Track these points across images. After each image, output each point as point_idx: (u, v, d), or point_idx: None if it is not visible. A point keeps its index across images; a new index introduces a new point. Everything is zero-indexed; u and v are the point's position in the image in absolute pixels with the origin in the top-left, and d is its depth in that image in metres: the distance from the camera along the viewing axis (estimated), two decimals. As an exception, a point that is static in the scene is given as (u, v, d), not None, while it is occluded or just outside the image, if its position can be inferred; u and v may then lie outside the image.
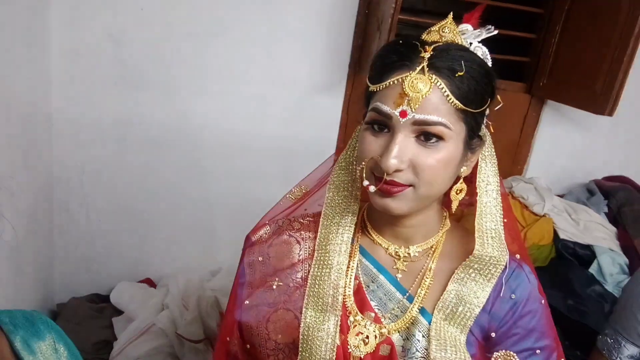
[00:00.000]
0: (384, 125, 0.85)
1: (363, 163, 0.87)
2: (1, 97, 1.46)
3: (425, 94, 0.81)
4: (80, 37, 1.80)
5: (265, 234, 1.01)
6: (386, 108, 0.83)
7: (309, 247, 0.98)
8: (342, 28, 1.94)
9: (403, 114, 0.81)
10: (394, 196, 0.85)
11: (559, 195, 2.14)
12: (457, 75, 0.82)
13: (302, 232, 0.99)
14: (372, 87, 0.85)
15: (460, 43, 0.87)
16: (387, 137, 0.84)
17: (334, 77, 1.99)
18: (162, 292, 1.89)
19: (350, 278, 0.94)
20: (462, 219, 1.04)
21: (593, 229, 1.87)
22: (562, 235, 1.85)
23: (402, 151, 0.82)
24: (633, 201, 1.96)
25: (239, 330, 0.95)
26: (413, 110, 0.81)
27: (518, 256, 0.95)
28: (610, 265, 1.76)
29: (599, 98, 1.81)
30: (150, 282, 2.06)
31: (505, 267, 0.91)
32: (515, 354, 0.89)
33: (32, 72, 1.70)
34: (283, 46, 1.93)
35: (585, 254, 1.80)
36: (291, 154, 2.04)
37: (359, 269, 0.96)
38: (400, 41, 0.86)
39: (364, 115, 0.90)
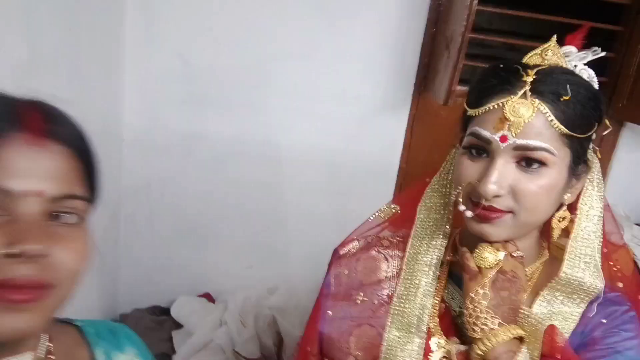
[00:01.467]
0: (482, 149, 0.83)
1: (460, 188, 0.86)
2: (77, 112, 1.53)
3: (527, 118, 0.79)
4: (152, 56, 1.87)
5: (354, 248, 1.01)
6: (486, 133, 0.81)
7: (397, 266, 0.97)
8: (407, 47, 1.91)
9: (503, 138, 0.80)
10: (492, 222, 0.83)
11: (638, 225, 2.01)
12: (562, 99, 0.79)
13: (391, 250, 0.98)
14: (471, 112, 0.84)
15: (564, 66, 0.84)
16: (486, 162, 0.83)
17: (399, 96, 1.96)
18: (220, 308, 1.91)
19: (437, 300, 0.92)
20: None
21: (678, 262, 1.73)
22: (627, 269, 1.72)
23: (501, 176, 0.81)
24: None
25: (320, 342, 0.96)
26: (514, 135, 0.79)
27: (621, 285, 0.91)
28: None
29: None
30: (209, 297, 2.08)
31: (598, 294, 0.86)
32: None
33: (106, 89, 1.77)
34: (347, 66, 1.92)
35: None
36: (354, 171, 2.02)
37: (447, 292, 0.94)
38: (501, 65, 0.85)
39: (461, 140, 0.89)
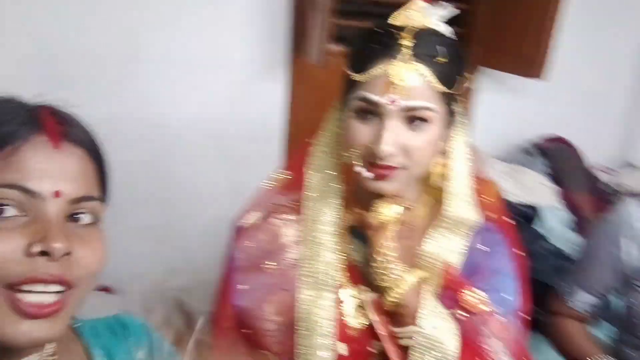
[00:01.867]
0: (371, 112, 0.88)
1: (354, 150, 0.90)
2: None
3: (411, 81, 0.85)
4: (4, 40, 1.68)
5: (253, 219, 1.03)
6: (375, 97, 0.87)
7: (298, 229, 1.00)
8: (278, 8, 1.91)
9: (392, 101, 0.86)
10: (388, 179, 0.89)
11: (500, 160, 2.23)
12: (438, 61, 0.87)
13: (290, 215, 1.01)
14: (356, 77, 0.89)
15: (431, 27, 0.90)
16: (376, 124, 0.88)
17: (275, 58, 1.97)
18: (120, 298, 1.84)
19: (341, 255, 0.97)
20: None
21: (536, 189, 1.97)
22: (507, 198, 1.93)
23: (393, 136, 0.86)
24: (571, 159, 2.07)
25: (235, 316, 0.97)
26: (401, 97, 0.85)
27: (494, 215, 1.02)
28: (554, 222, 1.86)
29: (531, 63, 1.89)
30: (108, 290, 1.98)
31: (477, 225, 0.97)
32: (482, 292, 0.94)
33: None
34: (219, 31, 1.88)
35: (531, 213, 1.89)
36: (239, 139, 2.01)
37: (348, 245, 0.99)
38: (377, 29, 0.90)
39: (344, 101, 0.93)
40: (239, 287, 0.97)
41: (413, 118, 0.88)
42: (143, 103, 1.88)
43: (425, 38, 0.88)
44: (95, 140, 0.67)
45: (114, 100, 1.84)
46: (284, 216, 1.01)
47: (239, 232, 1.02)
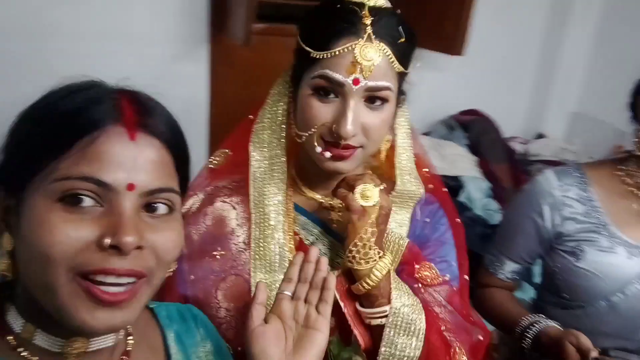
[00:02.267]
0: (332, 91, 0.86)
1: (313, 129, 0.88)
2: None
3: (375, 61, 0.84)
4: None
5: (197, 203, 0.99)
6: (338, 76, 0.84)
7: (244, 211, 0.97)
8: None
9: (356, 81, 0.84)
10: (346, 159, 0.88)
11: (424, 134, 2.30)
12: (399, 41, 0.87)
13: (234, 197, 0.98)
14: (318, 54, 0.86)
15: (384, 5, 0.90)
16: (337, 104, 0.87)
17: (195, 38, 1.88)
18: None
19: (290, 235, 0.96)
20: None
21: (458, 161, 2.05)
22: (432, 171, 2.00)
23: (356, 117, 0.85)
24: (488, 131, 2.17)
25: None
26: (365, 77, 0.84)
27: (431, 186, 1.05)
28: (476, 192, 1.94)
29: (452, 41, 1.95)
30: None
31: (421, 198, 1.00)
32: (431, 263, 0.97)
33: None
34: (135, 7, 1.77)
35: (455, 185, 1.97)
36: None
37: (297, 225, 0.97)
38: (339, 5, 0.87)
39: (297, 77, 0.91)
40: (189, 276, 0.94)
41: (374, 98, 0.87)
42: (53, 81, 1.75)
43: (385, 18, 0.87)
44: (174, 130, 0.66)
45: (21, 79, 1.70)
46: (227, 199, 0.98)
47: (182, 219, 0.98)
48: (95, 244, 0.57)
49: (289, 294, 0.83)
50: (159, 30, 1.83)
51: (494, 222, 1.90)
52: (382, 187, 0.89)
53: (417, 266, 0.95)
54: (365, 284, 0.87)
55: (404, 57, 0.88)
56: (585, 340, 1.00)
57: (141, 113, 0.62)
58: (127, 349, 0.70)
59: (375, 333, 0.89)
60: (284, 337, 0.80)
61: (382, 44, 0.85)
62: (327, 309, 0.82)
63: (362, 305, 0.89)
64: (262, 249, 0.93)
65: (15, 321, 0.63)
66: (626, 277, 1.15)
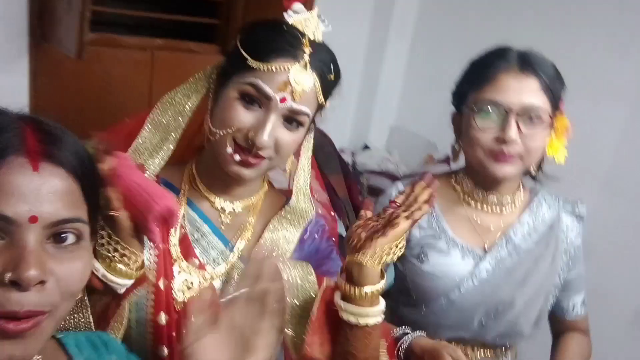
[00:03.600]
0: (256, 101, 0.92)
1: (229, 130, 0.93)
2: None
3: (305, 87, 0.92)
4: None
5: None
6: (269, 91, 0.91)
7: None
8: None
9: (283, 100, 0.91)
10: (251, 167, 0.94)
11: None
12: (328, 77, 0.97)
13: None
14: (255, 64, 0.91)
15: (321, 40, 0.99)
16: (259, 114, 0.93)
17: (12, 49, 1.69)
18: None
19: (176, 227, 0.98)
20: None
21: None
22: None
23: (273, 130, 0.92)
24: (323, 145, 2.29)
25: None
26: (293, 99, 0.91)
27: (320, 210, 1.17)
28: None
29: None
30: None
31: (312, 218, 1.10)
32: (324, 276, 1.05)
33: None
34: None
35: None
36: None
37: (185, 219, 1.00)
38: (285, 26, 0.94)
39: (224, 76, 0.96)
40: None
41: (292, 119, 0.94)
42: None
43: (323, 53, 0.97)
44: (81, 158, 0.63)
45: None
46: None
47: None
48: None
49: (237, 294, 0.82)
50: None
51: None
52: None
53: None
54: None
55: (327, 91, 0.98)
56: (461, 356, 1.11)
57: (45, 142, 0.60)
58: None
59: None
60: (228, 345, 0.78)
61: (314, 74, 0.94)
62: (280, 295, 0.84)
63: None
64: None
65: None
66: (461, 275, 1.31)
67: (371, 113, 2.89)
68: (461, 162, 1.40)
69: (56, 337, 0.76)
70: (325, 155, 2.31)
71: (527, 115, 1.22)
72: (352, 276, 0.95)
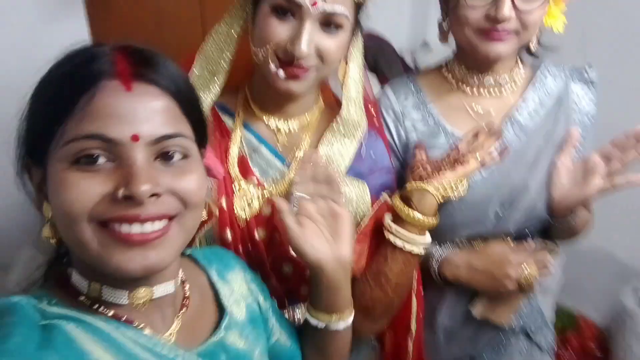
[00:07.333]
0: (289, 11, 0.90)
1: (268, 46, 0.92)
2: None
3: None
4: None
5: None
6: None
7: None
8: None
9: (314, 4, 0.88)
10: (299, 79, 0.93)
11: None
12: None
13: None
14: None
15: None
16: (295, 24, 0.91)
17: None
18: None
19: (234, 149, 1.01)
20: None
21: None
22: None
23: (311, 38, 0.89)
24: (383, 50, 2.23)
25: None
26: (323, 1, 0.88)
27: (375, 120, 1.13)
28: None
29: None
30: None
31: (365, 131, 1.08)
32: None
33: None
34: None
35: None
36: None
37: (242, 141, 1.03)
38: None
39: None
40: None
41: (329, 23, 0.91)
42: None
43: None
44: (175, 77, 0.65)
45: None
46: None
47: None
48: (110, 197, 0.58)
49: (306, 195, 0.91)
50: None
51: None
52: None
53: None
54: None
55: None
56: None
57: (136, 64, 0.61)
58: (186, 295, 0.75)
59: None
60: (320, 232, 0.88)
61: None
62: (339, 197, 0.91)
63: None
64: None
65: (81, 283, 0.66)
66: None
67: (428, 7, 2.73)
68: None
69: (185, 253, 0.83)
70: (387, 61, 2.25)
71: None
72: (411, 202, 1.00)
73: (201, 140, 0.70)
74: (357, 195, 1.04)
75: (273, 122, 1.04)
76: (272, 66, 0.92)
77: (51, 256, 0.71)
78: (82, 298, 0.66)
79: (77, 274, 0.67)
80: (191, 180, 0.64)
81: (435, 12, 2.71)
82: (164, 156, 0.63)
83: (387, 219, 1.03)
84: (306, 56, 0.90)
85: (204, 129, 0.71)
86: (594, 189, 1.16)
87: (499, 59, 1.20)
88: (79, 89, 0.59)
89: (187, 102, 0.67)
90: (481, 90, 1.27)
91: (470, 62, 1.25)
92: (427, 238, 1.04)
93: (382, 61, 2.19)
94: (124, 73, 0.60)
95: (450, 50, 1.31)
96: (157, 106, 0.62)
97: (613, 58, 1.85)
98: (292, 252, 0.91)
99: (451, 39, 1.25)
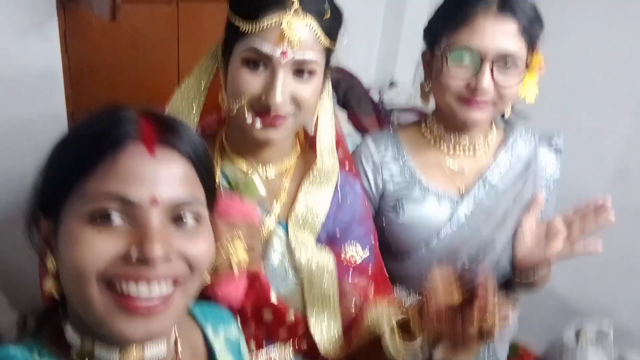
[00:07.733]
0: (261, 63, 0.89)
1: (242, 99, 0.91)
2: None
3: (302, 35, 0.87)
4: None
5: None
6: (267, 48, 0.88)
7: None
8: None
9: (284, 54, 0.88)
10: (277, 128, 0.93)
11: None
12: (325, 17, 0.91)
13: None
14: (246, 26, 0.88)
15: None
16: (267, 75, 0.90)
17: (41, 13, 1.67)
18: None
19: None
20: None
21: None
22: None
23: (284, 88, 0.89)
24: (353, 86, 2.29)
25: None
26: (292, 51, 0.87)
27: (346, 165, 1.14)
28: (352, 147, 2.06)
29: None
30: None
31: (338, 176, 1.08)
32: (356, 241, 1.09)
33: None
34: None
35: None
36: (15, 112, 1.69)
37: (220, 189, 1.01)
38: None
39: (226, 50, 0.93)
40: None
41: (302, 70, 0.91)
42: None
43: None
44: (195, 143, 0.67)
45: None
46: None
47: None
48: (122, 258, 0.59)
49: None
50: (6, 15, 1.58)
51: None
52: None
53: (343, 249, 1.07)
54: None
55: (329, 32, 0.93)
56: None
57: (160, 130, 0.64)
58: (179, 357, 0.75)
59: None
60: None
61: (308, 17, 0.89)
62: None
63: None
64: None
65: (74, 339, 0.66)
66: (438, 222, 1.30)
67: (397, 48, 2.82)
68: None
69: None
70: (357, 97, 2.32)
71: (503, 60, 1.18)
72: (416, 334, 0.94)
73: (211, 205, 0.71)
74: (318, 263, 1.02)
75: (252, 170, 1.03)
76: (249, 118, 0.92)
77: (47, 306, 0.71)
78: (73, 353, 0.66)
79: (71, 329, 0.67)
80: (201, 245, 0.65)
81: (403, 52, 2.85)
82: (178, 219, 0.63)
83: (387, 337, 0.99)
84: (282, 105, 0.90)
85: (214, 194, 0.73)
86: (554, 251, 1.23)
87: (476, 125, 1.28)
88: (104, 149, 0.60)
89: (204, 167, 0.68)
90: (457, 148, 1.34)
91: (448, 123, 1.32)
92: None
93: (352, 97, 2.25)
94: (150, 138, 0.62)
95: (416, 88, 1.38)
96: (177, 171, 0.63)
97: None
98: (273, 299, 0.91)
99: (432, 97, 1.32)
